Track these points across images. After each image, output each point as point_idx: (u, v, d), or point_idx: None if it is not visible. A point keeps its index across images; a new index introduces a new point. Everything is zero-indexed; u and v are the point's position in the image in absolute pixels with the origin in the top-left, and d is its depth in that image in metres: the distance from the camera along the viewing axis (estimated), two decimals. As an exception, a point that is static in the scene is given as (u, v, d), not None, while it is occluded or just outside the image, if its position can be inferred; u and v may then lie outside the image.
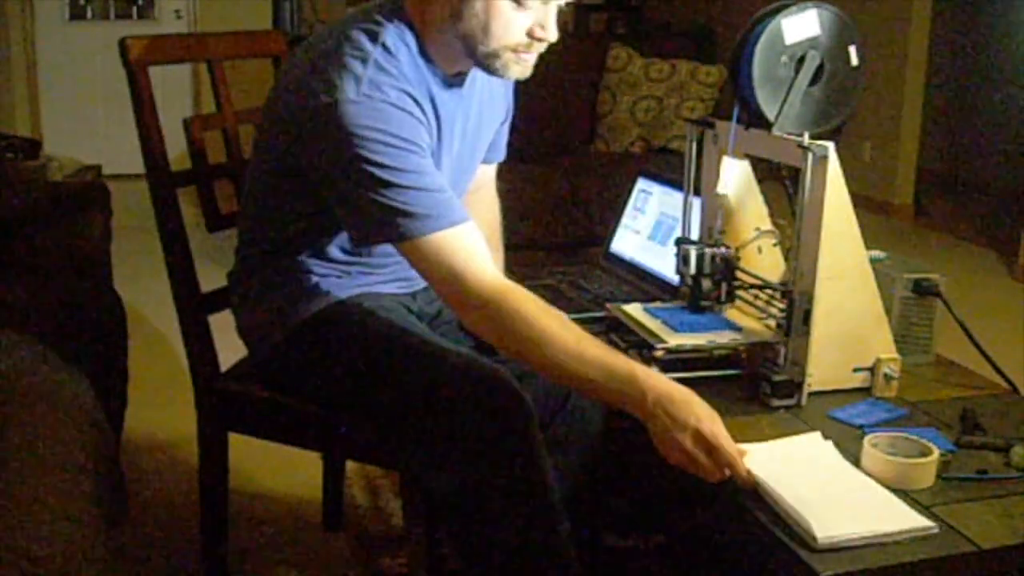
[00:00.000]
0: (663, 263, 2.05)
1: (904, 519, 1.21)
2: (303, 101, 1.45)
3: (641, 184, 2.24)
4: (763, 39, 1.54)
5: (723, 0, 6.46)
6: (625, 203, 2.27)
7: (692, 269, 1.71)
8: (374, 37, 1.48)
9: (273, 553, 2.18)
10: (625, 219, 2.26)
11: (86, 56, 6.07)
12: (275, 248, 1.64)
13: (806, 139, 1.51)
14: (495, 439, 1.44)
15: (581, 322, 1.76)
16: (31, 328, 1.93)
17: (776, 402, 1.53)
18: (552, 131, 4.45)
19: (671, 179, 2.13)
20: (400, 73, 1.47)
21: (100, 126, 6.09)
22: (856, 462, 1.34)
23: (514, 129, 1.84)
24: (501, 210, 1.90)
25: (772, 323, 1.65)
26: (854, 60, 1.57)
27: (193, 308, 1.83)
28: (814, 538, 1.16)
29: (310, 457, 2.23)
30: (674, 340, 1.60)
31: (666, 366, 1.58)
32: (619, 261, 2.22)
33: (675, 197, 2.04)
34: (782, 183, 1.67)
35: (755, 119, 1.60)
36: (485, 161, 1.80)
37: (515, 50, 1.48)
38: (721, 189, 1.72)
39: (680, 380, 1.55)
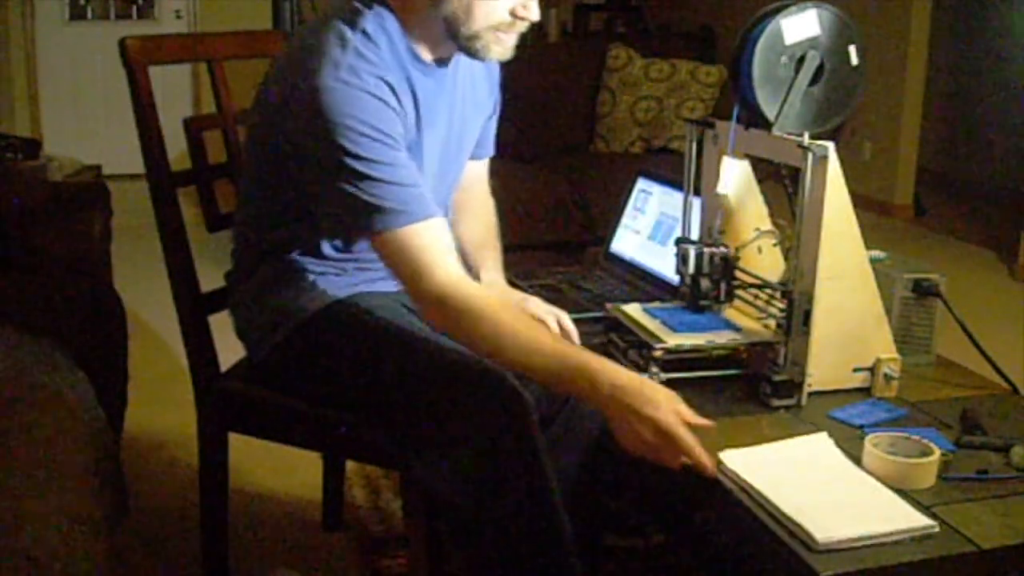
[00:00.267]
0: (663, 263, 2.05)
1: (905, 519, 1.21)
2: (285, 88, 1.47)
3: (641, 184, 2.24)
4: (763, 39, 1.54)
5: (723, 0, 6.45)
6: (625, 203, 2.27)
7: (691, 269, 1.71)
8: (354, 24, 1.49)
9: (273, 553, 2.18)
10: (625, 219, 2.26)
11: (86, 56, 6.07)
12: (270, 248, 1.65)
13: (806, 139, 1.51)
14: (495, 439, 1.44)
15: (581, 322, 1.77)
16: (31, 328, 1.93)
17: (776, 402, 1.53)
18: (552, 131, 4.44)
19: (671, 179, 2.13)
20: (379, 59, 1.48)
21: (100, 126, 6.09)
22: (857, 462, 1.34)
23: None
24: (498, 209, 1.90)
25: (772, 323, 1.65)
26: (854, 60, 1.57)
27: (193, 308, 1.83)
28: (814, 540, 1.16)
29: (310, 457, 2.23)
30: (673, 340, 1.60)
31: (665, 366, 1.58)
32: (619, 261, 2.22)
33: (675, 197, 2.05)
34: (782, 183, 1.67)
35: (755, 119, 1.60)
36: (474, 157, 1.80)
37: (497, 29, 1.49)
38: (721, 189, 1.72)
39: (680, 380, 1.57)
